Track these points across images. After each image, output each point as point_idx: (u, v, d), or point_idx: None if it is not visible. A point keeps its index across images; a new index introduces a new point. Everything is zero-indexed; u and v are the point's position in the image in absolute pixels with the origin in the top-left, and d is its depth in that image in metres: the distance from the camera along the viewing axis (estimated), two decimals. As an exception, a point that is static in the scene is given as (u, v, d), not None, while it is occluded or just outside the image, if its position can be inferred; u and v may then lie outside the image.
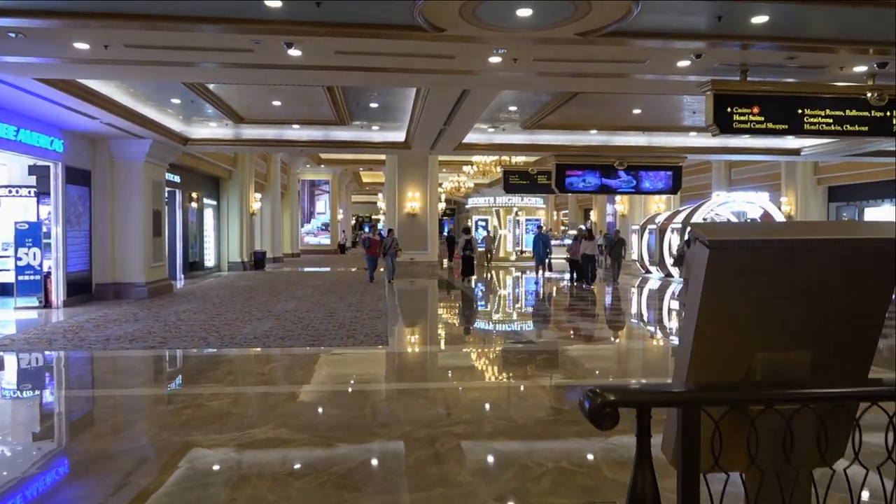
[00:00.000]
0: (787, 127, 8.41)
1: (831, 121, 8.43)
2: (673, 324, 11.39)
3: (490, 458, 4.32)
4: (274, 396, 5.95)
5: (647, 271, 22.81)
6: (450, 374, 7.17)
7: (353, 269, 25.89)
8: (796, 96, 8.36)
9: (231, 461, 4.27)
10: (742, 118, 8.26)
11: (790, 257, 1.75)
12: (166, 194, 19.74)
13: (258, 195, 26.50)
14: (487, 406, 5.69)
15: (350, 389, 6.29)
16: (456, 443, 4.58)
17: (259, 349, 8.30)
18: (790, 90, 8.36)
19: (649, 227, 22.55)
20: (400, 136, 15.76)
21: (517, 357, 8.15)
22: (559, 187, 17.36)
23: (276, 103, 12.63)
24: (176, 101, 12.19)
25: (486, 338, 9.88)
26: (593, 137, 16.38)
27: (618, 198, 28.64)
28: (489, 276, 22.81)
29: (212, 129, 15.19)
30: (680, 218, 20.61)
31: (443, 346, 9.16)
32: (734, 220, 20.88)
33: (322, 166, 38.13)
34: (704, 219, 19.83)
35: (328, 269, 26.80)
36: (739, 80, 8.28)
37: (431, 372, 7.16)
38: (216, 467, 4.15)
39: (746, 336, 1.82)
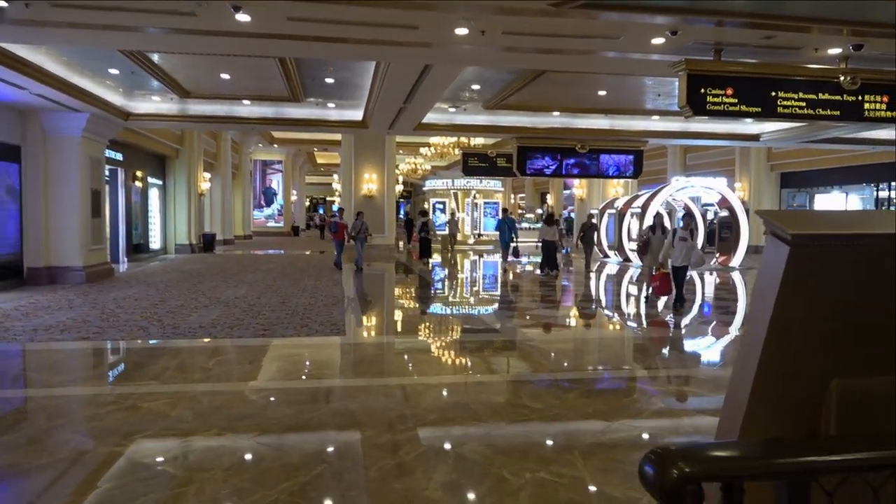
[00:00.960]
0: (759, 110, 8.15)
1: (804, 104, 8.21)
2: (633, 309, 11.21)
3: (460, 468, 3.89)
4: (219, 396, 5.39)
5: (606, 255, 22.73)
6: (411, 368, 6.70)
7: (308, 252, 25.15)
8: (770, 78, 8.10)
9: (164, 477, 3.74)
10: (715, 100, 7.96)
11: (886, 255, 1.33)
12: (107, 172, 18.71)
13: (207, 175, 25.44)
14: (452, 403, 5.26)
15: (304, 387, 5.77)
16: (422, 450, 4.13)
17: (205, 340, 7.68)
18: (764, 72, 8.09)
19: (608, 211, 22.44)
20: (357, 114, 15.10)
21: (478, 346, 7.75)
22: (520, 170, 16.98)
23: (225, 76, 11.85)
24: (114, 71, 11.31)
25: (445, 326, 9.44)
26: (555, 119, 16.03)
27: (576, 182, 28.47)
28: (452, 260, 22.22)
29: (155, 103, 14.26)
30: (639, 202, 20.52)
31: (402, 336, 8.68)
32: (692, 206, 20.92)
33: (275, 146, 37.04)
34: (671, 201, 19.81)
35: (282, 251, 25.98)
36: (713, 60, 7.97)
37: (391, 365, 6.66)
38: (147, 485, 3.61)
39: (823, 358, 1.40)
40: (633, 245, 19.65)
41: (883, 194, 23.65)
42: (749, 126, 16.83)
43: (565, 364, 7.27)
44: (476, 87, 12.48)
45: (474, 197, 33.15)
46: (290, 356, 6.93)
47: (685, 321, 9.70)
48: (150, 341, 7.67)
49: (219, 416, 4.79)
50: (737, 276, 17.10)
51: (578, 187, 28.01)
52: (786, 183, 27.67)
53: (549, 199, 44.57)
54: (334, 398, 5.41)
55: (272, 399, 5.35)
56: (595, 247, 19.21)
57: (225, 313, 9.62)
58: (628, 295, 13.43)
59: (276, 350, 7.21)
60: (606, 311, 11.40)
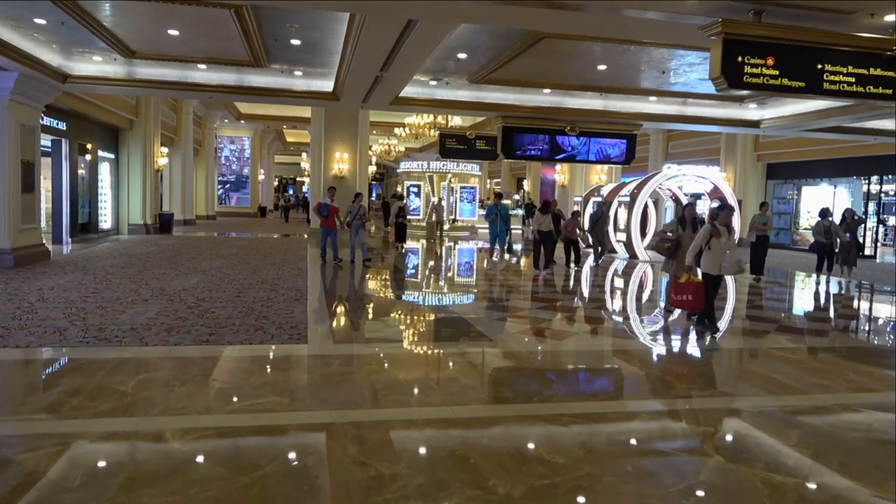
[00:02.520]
0: (803, 84, 6.90)
1: (853, 80, 7.00)
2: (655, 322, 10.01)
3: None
4: (127, 441, 4.00)
5: (589, 245, 21.57)
6: (386, 394, 5.30)
7: (275, 236, 23.56)
8: (817, 48, 6.87)
9: None
10: (754, 70, 6.70)
11: None
12: (49, 143, 16.91)
13: (165, 149, 23.60)
14: (444, 456, 3.95)
15: (246, 424, 4.39)
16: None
17: (131, 349, 6.23)
18: (810, 39, 6.85)
19: (593, 198, 21.26)
20: (328, 84, 13.58)
21: (470, 362, 6.44)
22: (506, 152, 15.65)
23: (173, 33, 10.25)
24: (40, 21, 9.63)
25: (428, 334, 8.10)
26: (545, 98, 14.71)
27: (557, 167, 27.26)
28: (439, 250, 20.48)
29: (98, 64, 12.55)
30: (627, 190, 19.38)
31: (376, 344, 7.29)
32: (680, 195, 19.84)
33: (242, 122, 35.15)
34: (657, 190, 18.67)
35: (247, 234, 24.33)
36: (753, 23, 6.71)
37: (361, 390, 5.25)
38: None
39: None
40: (646, 242, 18.55)
41: (873, 188, 22.94)
42: (749, 111, 15.73)
43: (587, 392, 6.01)
44: (462, 55, 11.07)
45: (450, 181, 31.76)
46: (235, 375, 5.52)
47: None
48: (64, 349, 6.19)
49: (118, 479, 3.40)
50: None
51: (560, 173, 26.81)
52: (772, 174, 26.85)
53: (526, 185, 43.40)
54: (284, 444, 4.04)
55: (200, 447, 3.95)
56: (605, 238, 17.22)
57: (166, 310, 8.14)
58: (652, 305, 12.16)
59: (217, 365, 5.80)
60: (628, 325, 9.42)
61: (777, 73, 6.79)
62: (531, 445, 4.10)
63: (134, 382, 5.11)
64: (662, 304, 9.98)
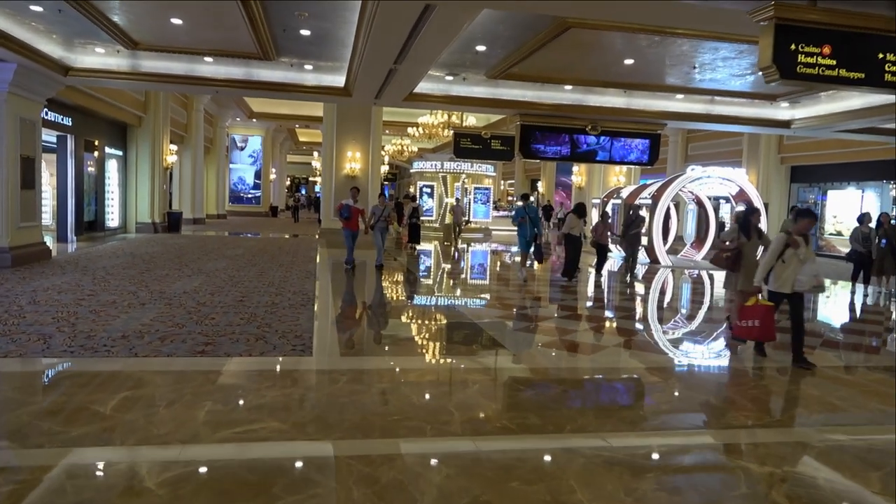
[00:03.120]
0: (862, 76, 6.23)
1: (917, 71, 6.34)
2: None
3: None
4: (98, 477, 3.43)
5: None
6: (401, 420, 4.70)
7: (286, 236, 23.06)
8: (877, 35, 6.21)
9: None
10: (809, 60, 6.05)
11: None
12: (53, 139, 16.50)
13: (174, 147, 23.15)
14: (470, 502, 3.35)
15: (238, 458, 3.81)
16: None
17: (119, 360, 5.68)
18: (870, 26, 6.19)
19: (612, 201, 20.60)
20: (339, 79, 13.02)
21: (491, 379, 5.83)
22: (524, 152, 15.04)
23: (177, 22, 9.72)
24: (37, 8, 9.13)
25: (447, 346, 7.50)
26: (566, 95, 14.08)
27: (574, 168, 26.58)
28: (456, 253, 19.77)
29: (100, 56, 12.06)
30: (648, 192, 18.69)
31: (389, 357, 6.69)
32: (704, 198, 19.13)
33: (254, 120, 34.74)
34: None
35: (257, 234, 23.85)
36: (808, 6, 6.06)
37: (372, 414, 4.64)
38: None
39: None
40: (667, 246, 17.83)
41: (899, 192, 22.11)
42: (780, 111, 15.01)
43: (628, 419, 5.39)
44: (481, 48, 10.47)
45: (464, 182, 31.16)
46: (229, 395, 4.94)
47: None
48: (45, 359, 5.64)
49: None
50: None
51: (577, 174, 26.12)
52: (796, 177, 26.03)
53: (541, 187, 42.70)
54: (278, 485, 3.45)
55: (179, 488, 3.37)
56: (639, 245, 14.80)
57: (163, 315, 7.60)
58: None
59: (211, 381, 5.23)
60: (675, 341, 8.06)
61: (833, 62, 6.13)
62: (570, 486, 3.48)
63: (115, 402, 4.54)
64: (725, 329, 8.27)
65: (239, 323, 7.35)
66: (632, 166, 24.42)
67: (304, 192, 59.90)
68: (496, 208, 34.06)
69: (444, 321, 8.63)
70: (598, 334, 8.05)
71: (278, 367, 5.66)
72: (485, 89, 13.66)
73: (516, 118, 14.71)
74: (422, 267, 15.72)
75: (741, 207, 18.43)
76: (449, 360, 6.44)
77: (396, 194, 60.35)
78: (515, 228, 13.21)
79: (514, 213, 12.26)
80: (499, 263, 17.26)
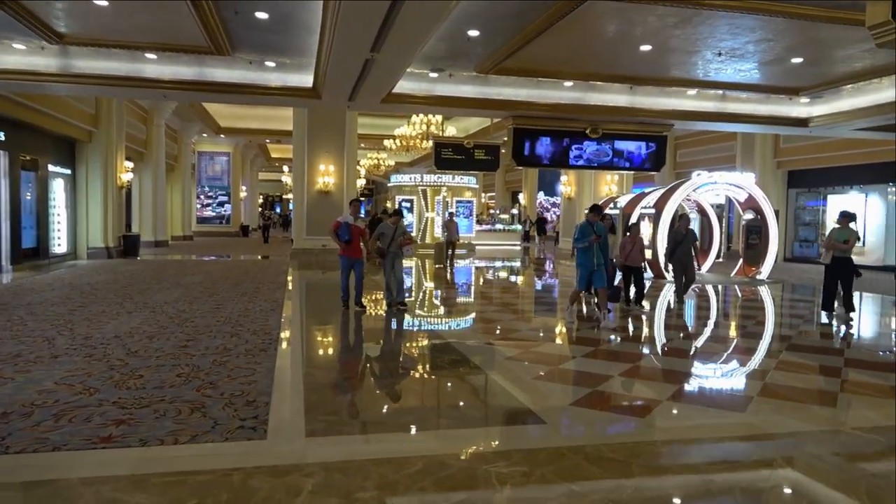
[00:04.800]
0: None
1: None
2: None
3: None
4: None
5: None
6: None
7: (259, 257, 21.17)
8: None
9: None
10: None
11: None
12: (-20, 156, 14.54)
13: (130, 164, 21.19)
14: None
15: None
16: None
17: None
18: None
19: (609, 211, 19.04)
20: (307, 79, 11.33)
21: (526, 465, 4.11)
22: (517, 158, 13.46)
23: (101, 3, 7.95)
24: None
25: (461, 418, 5.74)
26: (564, 94, 12.54)
27: (563, 176, 25.08)
28: (453, 279, 16.15)
29: (22, 54, 10.24)
30: (647, 201, 17.19)
31: (376, 442, 4.82)
32: (707, 207, 17.69)
33: (222, 136, 32.83)
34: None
35: (224, 256, 21.94)
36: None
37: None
38: None
39: None
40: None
41: (906, 195, 20.94)
42: (797, 107, 13.62)
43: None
44: (474, 32, 8.86)
45: (445, 195, 29.54)
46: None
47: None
48: None
49: None
50: (765, 292, 13.81)
51: (566, 184, 24.60)
52: (794, 182, 24.81)
53: (522, 199, 41.22)
54: None
55: None
56: (692, 265, 11.35)
57: (74, 374, 5.75)
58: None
59: (102, 495, 3.44)
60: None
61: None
62: None
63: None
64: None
65: (174, 383, 5.54)
66: (623, 174, 23.16)
67: (278, 209, 57.68)
68: (478, 222, 32.51)
69: (452, 381, 6.86)
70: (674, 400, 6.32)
71: (212, 463, 3.87)
72: (473, 88, 12.05)
73: (508, 121, 13.14)
74: (430, 300, 13.87)
75: (750, 215, 17.08)
76: (459, 446, 4.70)
77: (374, 210, 58.60)
78: (573, 253, 9.44)
79: (577, 231, 8.58)
80: (525, 294, 14.64)
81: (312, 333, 8.88)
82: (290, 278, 14.70)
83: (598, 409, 5.11)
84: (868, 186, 21.94)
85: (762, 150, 24.76)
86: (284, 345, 7.33)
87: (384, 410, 5.28)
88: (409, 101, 12.03)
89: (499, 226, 33.15)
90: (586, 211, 8.95)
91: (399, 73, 10.01)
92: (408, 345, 8.16)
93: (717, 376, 6.50)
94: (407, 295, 11.09)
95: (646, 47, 9.49)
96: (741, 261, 17.18)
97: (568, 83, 11.92)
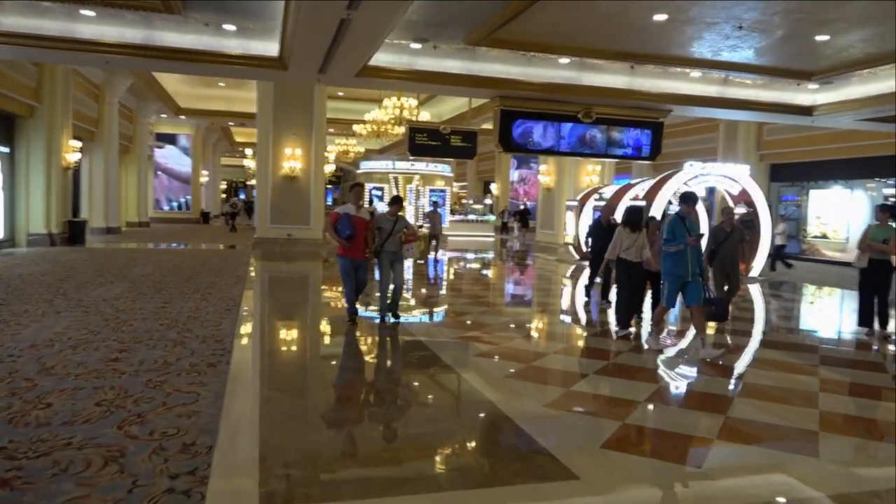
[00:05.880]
0: None
1: None
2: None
3: None
4: None
5: (586, 258, 18.37)
6: None
7: (221, 247, 19.69)
8: None
9: None
10: None
11: None
12: None
13: (77, 143, 19.45)
14: None
15: None
16: None
17: None
18: None
19: (594, 203, 18.05)
20: (272, 46, 9.98)
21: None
22: (504, 143, 12.32)
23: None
24: None
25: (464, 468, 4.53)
26: (558, 72, 11.41)
27: (542, 166, 24.01)
28: (439, 280, 14.47)
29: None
30: (634, 194, 16.21)
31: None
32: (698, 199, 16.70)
33: (182, 117, 30.99)
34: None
35: (181, 244, 20.41)
36: None
37: None
38: None
39: None
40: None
41: (891, 191, 20.43)
42: (802, 95, 12.73)
43: None
44: (468, -9, 7.65)
45: (417, 183, 28.35)
46: None
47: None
48: None
49: None
50: (756, 291, 12.95)
51: (545, 174, 23.54)
52: (777, 175, 24.20)
53: (495, 189, 40.13)
54: None
55: None
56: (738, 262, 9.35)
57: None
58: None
59: None
60: None
61: None
62: None
63: None
64: None
65: (90, 415, 4.24)
66: (606, 163, 22.18)
67: (242, 196, 55.41)
68: (451, 212, 31.34)
69: (488, 435, 5.44)
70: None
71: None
72: (459, 63, 10.84)
73: (496, 101, 11.96)
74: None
75: (741, 209, 16.22)
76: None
77: (341, 198, 56.93)
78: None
79: (667, 230, 6.52)
80: (547, 303, 12.69)
81: (275, 341, 7.62)
82: (251, 271, 13.36)
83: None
84: (853, 181, 21.40)
85: (745, 143, 24.06)
86: (239, 356, 6.06)
87: (372, 461, 4.04)
88: (388, 76, 10.73)
89: (472, 216, 32.02)
90: (680, 201, 6.75)
91: (379, 39, 8.72)
92: (406, 368, 6.42)
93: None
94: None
95: (660, 16, 8.38)
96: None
97: (564, 60, 10.78)
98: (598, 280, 10.31)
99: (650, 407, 5.01)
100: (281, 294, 11.60)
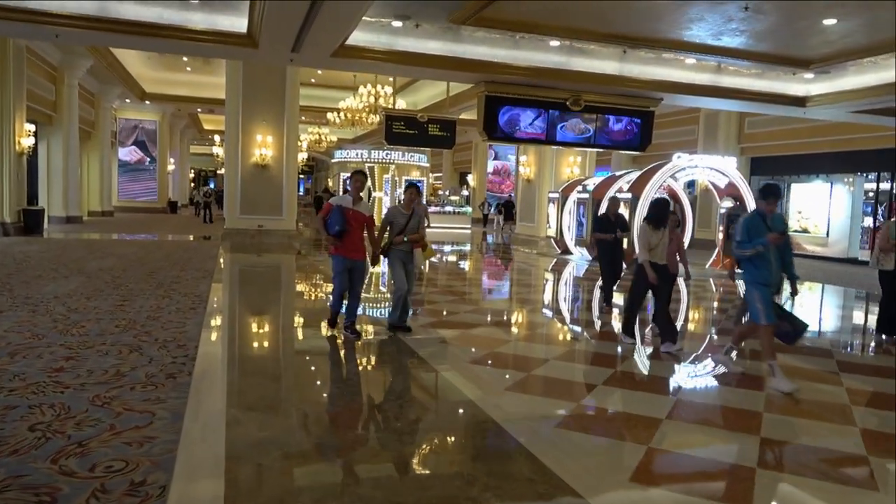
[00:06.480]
0: None
1: None
2: None
3: None
4: None
5: (567, 252, 17.93)
6: None
7: (191, 238, 18.79)
8: None
9: None
10: None
11: None
12: None
13: (31, 127, 18.34)
14: None
15: None
16: None
17: None
18: None
19: (576, 195, 17.57)
20: (240, 22, 9.20)
21: None
22: (489, 132, 11.70)
23: None
24: None
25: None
26: (547, 57, 10.82)
27: (523, 157, 23.45)
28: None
29: None
30: (622, 185, 15.75)
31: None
32: (679, 191, 16.33)
33: (147, 102, 29.76)
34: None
35: (147, 235, 19.44)
36: None
37: None
38: None
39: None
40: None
41: (871, 185, 20.33)
42: (795, 85, 12.33)
43: None
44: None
45: (393, 173, 27.59)
46: None
47: None
48: None
49: None
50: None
51: (525, 164, 22.97)
52: (757, 169, 24.01)
53: (471, 181, 39.52)
54: None
55: None
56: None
57: None
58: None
59: None
60: None
61: None
62: None
63: None
64: None
65: (21, 443, 3.55)
66: (587, 154, 21.68)
67: (212, 185, 53.83)
68: (427, 203, 30.65)
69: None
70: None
71: None
72: (442, 44, 10.16)
73: (480, 86, 11.32)
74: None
75: (728, 203, 15.85)
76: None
77: (314, 188, 55.85)
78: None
79: (742, 229, 5.38)
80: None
81: (246, 347, 6.89)
82: (220, 264, 12.57)
83: None
84: (833, 176, 21.25)
85: (725, 135, 23.85)
86: (203, 365, 5.35)
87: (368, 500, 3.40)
88: (366, 56, 10.00)
89: (449, 208, 31.39)
90: (760, 193, 5.42)
91: (357, 15, 8.01)
92: (416, 394, 5.35)
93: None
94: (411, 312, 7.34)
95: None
96: (717, 251, 16.01)
97: (554, 42, 10.17)
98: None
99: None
100: (253, 291, 10.87)
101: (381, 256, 6.66)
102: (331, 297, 6.82)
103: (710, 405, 5.20)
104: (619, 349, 6.81)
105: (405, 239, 6.55)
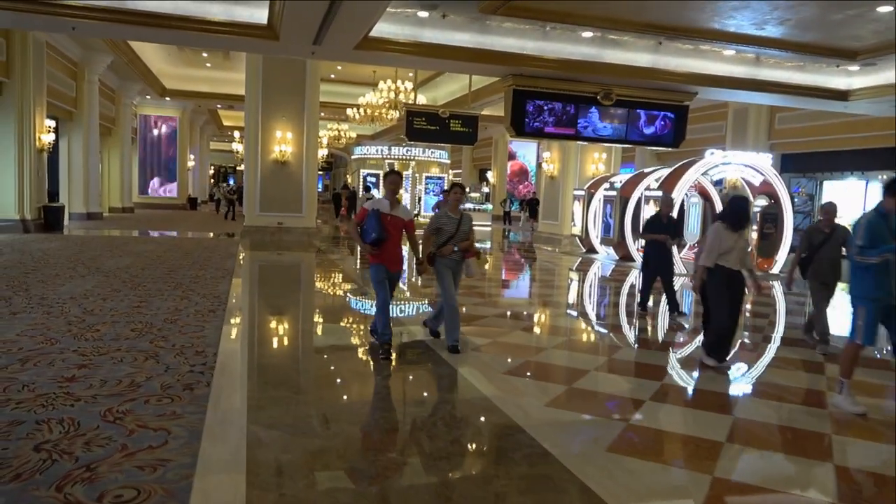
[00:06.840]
0: None
1: None
2: None
3: None
4: None
5: (593, 250, 17.47)
6: None
7: (211, 235, 18.61)
8: None
9: None
10: None
11: None
12: None
13: (51, 123, 18.22)
14: None
15: None
16: None
17: None
18: None
19: (603, 193, 17.09)
20: (260, 13, 8.88)
21: None
22: (516, 127, 11.30)
23: None
24: None
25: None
26: (577, 49, 10.39)
27: (546, 153, 22.95)
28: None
29: None
30: (648, 182, 15.23)
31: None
32: (712, 191, 15.78)
33: (167, 99, 29.73)
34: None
35: (168, 232, 19.29)
36: None
37: None
38: None
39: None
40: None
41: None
42: (837, 78, 11.78)
43: None
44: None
45: (414, 170, 27.26)
46: None
47: None
48: None
49: None
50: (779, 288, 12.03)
51: (548, 161, 22.48)
52: (787, 166, 23.30)
53: (491, 177, 39.07)
54: None
55: None
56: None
57: None
58: None
59: None
60: None
61: None
62: None
63: None
64: None
65: (18, 458, 3.24)
66: (612, 151, 21.14)
67: (231, 181, 53.83)
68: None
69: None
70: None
71: None
72: (469, 36, 9.77)
73: (508, 80, 10.92)
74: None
75: (762, 201, 15.25)
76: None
77: (332, 185, 55.66)
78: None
79: (865, 234, 4.58)
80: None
81: (270, 355, 6.53)
82: (240, 262, 12.30)
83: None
84: (870, 173, 20.55)
85: (755, 131, 23.17)
86: (223, 376, 5.03)
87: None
88: (390, 48, 9.63)
89: (469, 205, 31.01)
90: (886, 189, 4.66)
91: (382, 5, 7.65)
92: (453, 411, 4.76)
93: None
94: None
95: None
96: (750, 252, 15.45)
97: (585, 33, 9.74)
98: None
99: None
100: (275, 291, 10.57)
101: (430, 265, 5.93)
102: (376, 315, 5.95)
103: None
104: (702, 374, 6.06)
105: (455, 248, 5.93)
